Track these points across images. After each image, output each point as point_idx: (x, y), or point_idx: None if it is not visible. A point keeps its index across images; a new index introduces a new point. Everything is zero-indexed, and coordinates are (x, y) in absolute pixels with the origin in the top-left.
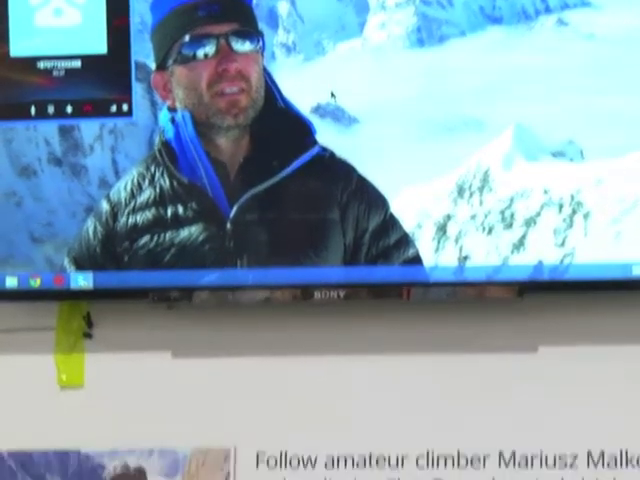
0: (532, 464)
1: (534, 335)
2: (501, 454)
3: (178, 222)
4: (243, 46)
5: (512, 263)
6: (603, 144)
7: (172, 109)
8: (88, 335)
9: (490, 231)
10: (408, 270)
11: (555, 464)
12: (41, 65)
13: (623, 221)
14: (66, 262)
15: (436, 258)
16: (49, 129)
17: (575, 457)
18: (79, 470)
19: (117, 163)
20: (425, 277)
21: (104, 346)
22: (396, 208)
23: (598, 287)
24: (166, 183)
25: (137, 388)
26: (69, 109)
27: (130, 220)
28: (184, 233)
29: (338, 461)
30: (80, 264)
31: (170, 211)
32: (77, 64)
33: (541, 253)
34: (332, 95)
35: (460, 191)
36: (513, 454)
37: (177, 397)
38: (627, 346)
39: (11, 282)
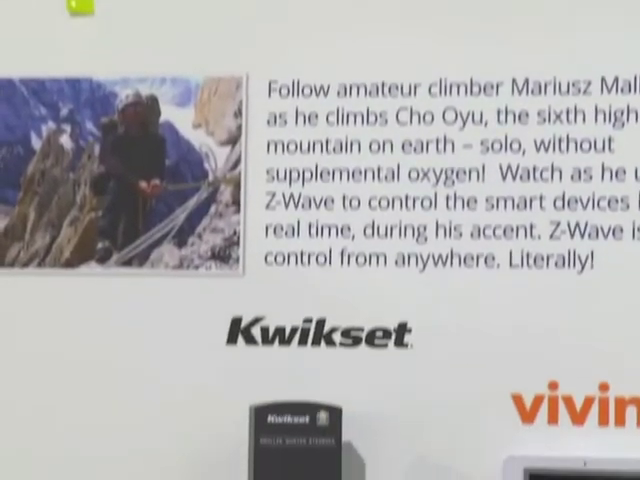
0: (545, 91)
1: None
2: (514, 81)
3: None
4: None
5: None
6: None
7: None
8: None
9: None
10: None
11: (568, 91)
12: None
13: None
14: None
15: None
16: None
17: (589, 83)
18: (91, 97)
19: None
20: None
21: None
22: None
23: None
24: None
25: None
26: None
27: None
28: None
29: (350, 89)
30: None
31: None
32: None
33: None
34: None
35: None
36: (526, 81)
37: (188, 25)
38: None
39: None
